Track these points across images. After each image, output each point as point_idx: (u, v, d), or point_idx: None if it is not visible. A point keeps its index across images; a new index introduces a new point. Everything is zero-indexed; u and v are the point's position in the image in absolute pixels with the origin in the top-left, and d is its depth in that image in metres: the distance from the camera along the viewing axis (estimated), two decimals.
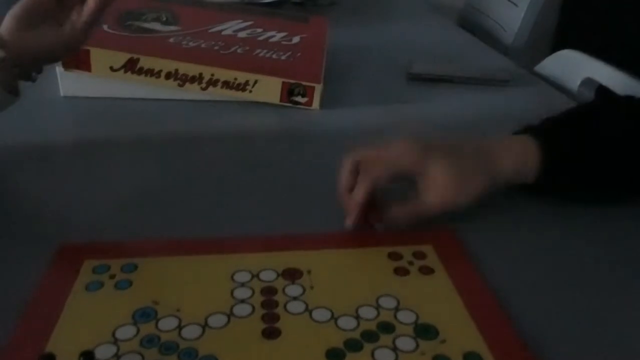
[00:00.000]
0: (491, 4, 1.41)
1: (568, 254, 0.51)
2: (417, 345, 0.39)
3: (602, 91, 0.89)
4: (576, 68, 0.95)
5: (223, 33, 0.89)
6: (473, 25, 1.42)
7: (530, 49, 1.25)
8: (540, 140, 0.55)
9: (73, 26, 0.61)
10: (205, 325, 0.41)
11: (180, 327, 0.40)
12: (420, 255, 0.49)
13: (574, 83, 0.94)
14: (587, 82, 0.92)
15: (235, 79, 0.79)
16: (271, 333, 0.40)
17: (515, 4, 1.30)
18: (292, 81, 0.79)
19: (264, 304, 0.43)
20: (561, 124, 0.59)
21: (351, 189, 0.53)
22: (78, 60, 0.78)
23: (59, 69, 0.80)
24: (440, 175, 0.52)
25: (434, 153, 0.53)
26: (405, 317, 0.42)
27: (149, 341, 0.39)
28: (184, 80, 0.80)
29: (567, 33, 1.49)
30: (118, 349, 0.39)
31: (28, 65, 0.60)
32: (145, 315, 0.41)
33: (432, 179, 0.52)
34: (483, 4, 1.46)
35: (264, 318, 0.41)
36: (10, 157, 0.64)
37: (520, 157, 0.55)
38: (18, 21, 0.58)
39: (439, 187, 0.52)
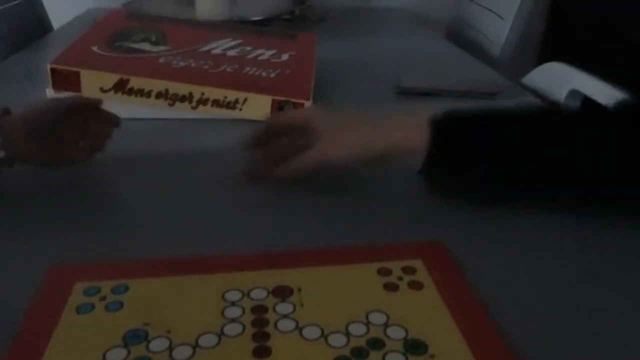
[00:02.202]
0: (478, 17, 1.43)
1: (560, 268, 0.51)
2: None
3: (588, 102, 0.90)
4: (562, 80, 0.97)
5: (212, 52, 0.90)
6: (461, 38, 1.44)
7: (517, 61, 1.27)
8: (434, 124, 0.56)
9: (75, 148, 0.64)
10: (196, 346, 0.41)
11: (171, 348, 0.41)
12: (409, 270, 0.49)
13: (560, 94, 0.95)
14: (573, 93, 0.94)
15: (225, 97, 0.80)
16: (262, 352, 0.40)
17: (501, 17, 1.31)
18: (281, 98, 0.80)
19: (254, 323, 0.43)
20: (466, 116, 0.58)
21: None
22: (68, 82, 0.79)
23: (49, 90, 0.80)
24: (321, 127, 0.58)
25: (324, 112, 0.60)
26: (395, 332, 0.42)
27: None
28: (174, 99, 0.80)
29: (553, 45, 1.51)
30: None
31: (19, 162, 0.61)
32: (136, 336, 0.42)
33: (314, 130, 0.58)
34: (471, 17, 1.48)
35: (254, 337, 0.42)
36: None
37: (407, 133, 0.57)
38: (26, 126, 0.60)
39: (317, 138, 0.58)
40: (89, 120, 0.65)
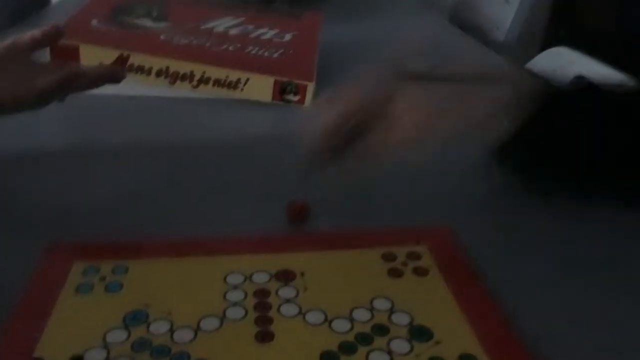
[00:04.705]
0: (483, 1, 1.41)
1: (566, 254, 0.51)
2: (412, 348, 0.39)
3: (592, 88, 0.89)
4: (567, 65, 0.95)
5: (214, 30, 0.89)
6: (464, 22, 1.42)
7: (522, 46, 1.25)
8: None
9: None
10: (197, 329, 0.40)
11: (172, 331, 0.40)
12: (414, 256, 0.48)
13: (565, 80, 0.94)
14: (578, 78, 0.92)
15: (227, 77, 0.79)
16: (264, 336, 0.40)
17: (506, 1, 1.29)
18: (284, 79, 0.79)
19: (257, 307, 0.42)
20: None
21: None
22: (66, 57, 0.77)
23: None
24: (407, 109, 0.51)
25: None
26: (400, 319, 0.42)
27: (140, 345, 0.39)
28: (174, 78, 0.79)
29: (558, 30, 1.50)
30: (108, 353, 0.38)
31: None
32: (136, 318, 0.41)
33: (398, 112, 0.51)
34: (475, 0, 1.46)
35: (257, 321, 0.41)
36: None
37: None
38: None
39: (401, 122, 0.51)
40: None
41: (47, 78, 0.58)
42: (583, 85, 0.70)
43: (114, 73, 0.64)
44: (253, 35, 0.89)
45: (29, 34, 0.61)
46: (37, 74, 0.58)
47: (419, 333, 0.40)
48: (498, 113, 0.53)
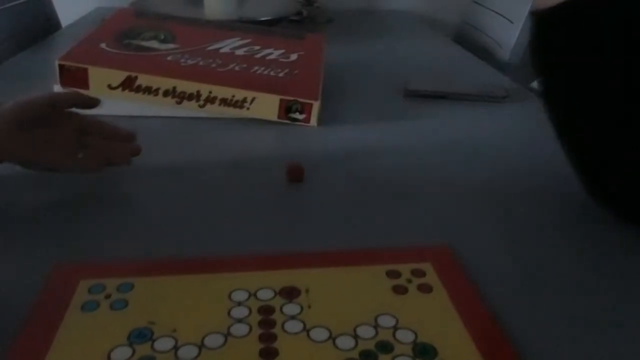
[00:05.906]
0: (487, 21, 1.42)
1: (568, 272, 0.51)
2: None
3: None
4: None
5: (221, 51, 0.90)
6: (469, 42, 1.43)
7: (526, 65, 1.26)
8: None
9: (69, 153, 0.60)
10: (201, 346, 0.40)
11: (176, 348, 0.40)
12: (418, 273, 0.48)
13: None
14: None
15: (233, 96, 0.80)
16: (268, 353, 0.40)
17: (510, 21, 1.31)
18: (289, 98, 0.80)
19: (261, 324, 0.42)
20: None
21: None
22: (76, 79, 0.79)
23: (56, 87, 0.80)
24: None
25: None
26: (404, 336, 0.42)
27: None
28: (181, 97, 0.80)
29: None
30: None
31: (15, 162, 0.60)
32: (141, 335, 0.41)
33: None
34: (479, 21, 1.47)
35: (261, 338, 0.41)
36: (5, 175, 0.64)
37: None
38: (12, 117, 0.57)
39: None
40: (92, 128, 0.63)
41: (83, 164, 0.61)
42: None
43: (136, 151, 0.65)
44: (259, 55, 0.91)
45: (67, 94, 0.64)
46: (74, 148, 0.60)
47: (423, 350, 0.40)
48: None
